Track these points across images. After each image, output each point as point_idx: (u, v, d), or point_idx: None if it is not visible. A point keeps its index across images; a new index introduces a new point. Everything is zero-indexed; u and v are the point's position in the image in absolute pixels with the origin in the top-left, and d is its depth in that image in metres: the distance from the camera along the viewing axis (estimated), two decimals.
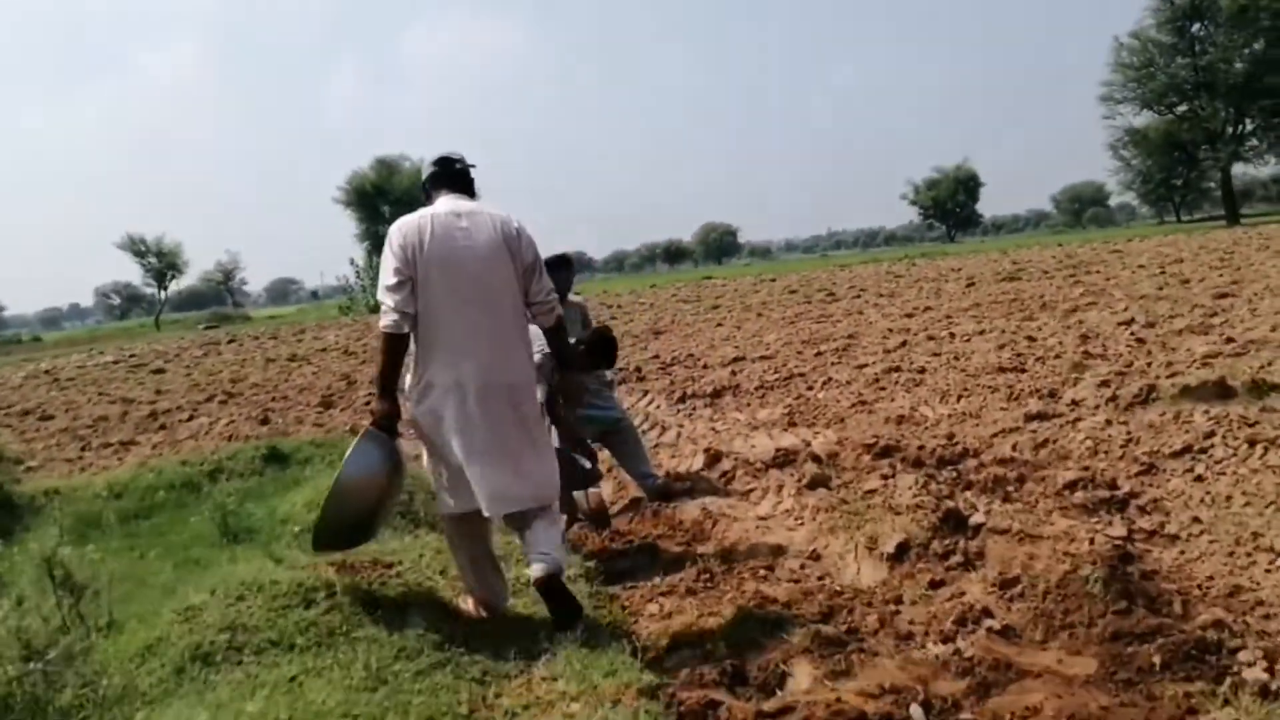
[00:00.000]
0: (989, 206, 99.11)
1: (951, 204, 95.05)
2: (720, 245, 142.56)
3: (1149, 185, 66.03)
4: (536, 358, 5.06)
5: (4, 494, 5.80)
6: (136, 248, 65.03)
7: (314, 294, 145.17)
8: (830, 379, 9.50)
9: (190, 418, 11.09)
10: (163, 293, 69.46)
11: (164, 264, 66.05)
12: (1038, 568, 4.29)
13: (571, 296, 6.26)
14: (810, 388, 9.31)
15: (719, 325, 16.46)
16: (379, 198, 64.27)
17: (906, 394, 8.36)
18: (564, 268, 6.08)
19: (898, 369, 9.43)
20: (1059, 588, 4.02)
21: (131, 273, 69.68)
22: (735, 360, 11.46)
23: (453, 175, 4.05)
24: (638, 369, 11.70)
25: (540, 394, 6.08)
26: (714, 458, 6.89)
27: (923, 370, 9.26)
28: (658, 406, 9.48)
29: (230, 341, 27.40)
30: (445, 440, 3.72)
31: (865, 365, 9.90)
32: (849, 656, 3.57)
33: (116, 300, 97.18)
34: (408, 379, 3.79)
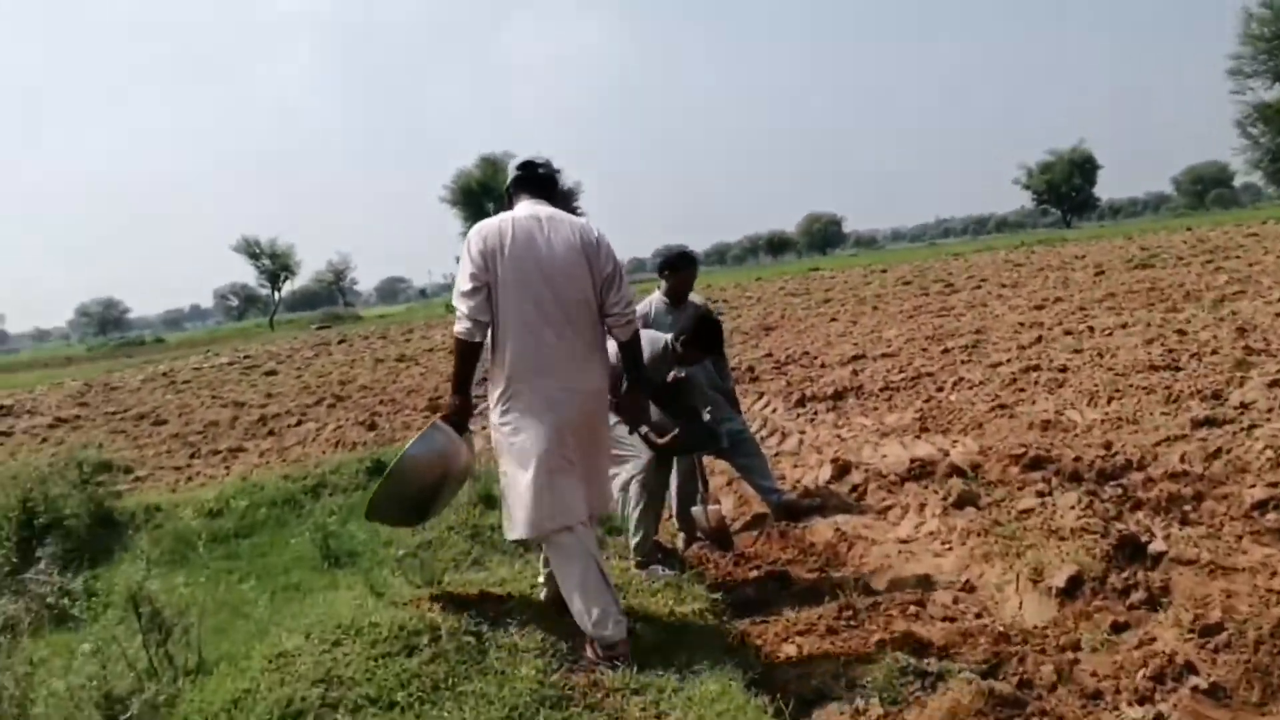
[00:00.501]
0: (1105, 189, 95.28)
1: (1066, 187, 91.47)
2: (825, 235, 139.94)
3: (1277, 164, 62.23)
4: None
5: (105, 510, 5.62)
6: (251, 250, 66.79)
7: (422, 292, 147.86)
8: (961, 379, 8.85)
9: (299, 422, 11.00)
10: (276, 294, 71.35)
11: (277, 265, 67.71)
12: (1241, 609, 3.67)
13: (693, 297, 5.82)
14: (940, 389, 8.68)
15: (833, 320, 15.80)
16: (484, 195, 64.70)
17: (1049, 396, 7.67)
18: (687, 265, 5.66)
19: (1036, 367, 8.72)
20: (1274, 636, 3.41)
21: (248, 274, 71.29)
22: (855, 358, 10.85)
23: (536, 180, 3.92)
24: (750, 368, 11.18)
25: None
26: (842, 469, 6.37)
27: (1064, 369, 8.54)
28: (775, 410, 8.96)
29: (341, 342, 27.74)
30: (527, 453, 3.56)
31: (999, 364, 9.21)
32: None
33: (234, 301, 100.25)
34: (492, 389, 3.70)
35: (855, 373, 9.80)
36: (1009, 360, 9.31)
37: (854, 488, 6.02)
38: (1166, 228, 42.07)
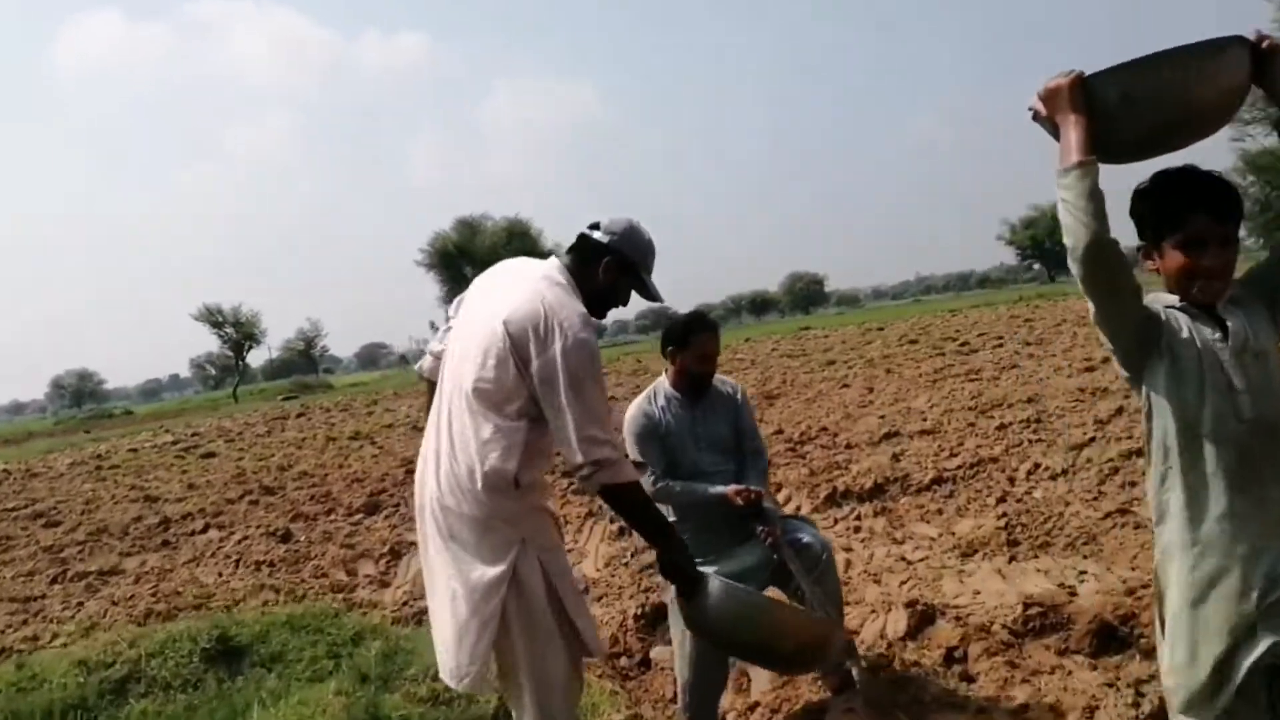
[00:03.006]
0: None
1: (1050, 242, 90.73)
2: (808, 294, 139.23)
3: (1267, 214, 61.03)
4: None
5: None
6: (213, 319, 64.16)
7: (402, 358, 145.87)
8: (1039, 466, 6.89)
9: (205, 528, 8.92)
10: (241, 363, 68.62)
11: (241, 334, 65.02)
12: None
13: (721, 380, 3.92)
14: (1012, 480, 6.72)
15: (844, 386, 13.85)
16: (461, 258, 62.74)
17: None
18: (702, 331, 3.76)
19: (1139, 451, 6.77)
20: None
21: (217, 344, 68.62)
22: (888, 436, 8.87)
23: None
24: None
25: None
26: (923, 617, 4.39)
27: None
28: (799, 510, 6.98)
29: (299, 416, 25.62)
30: None
31: (1082, 445, 7.25)
32: None
33: (211, 371, 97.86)
34: None
35: (895, 457, 7.81)
36: (1092, 439, 7.36)
37: (949, 652, 4.04)
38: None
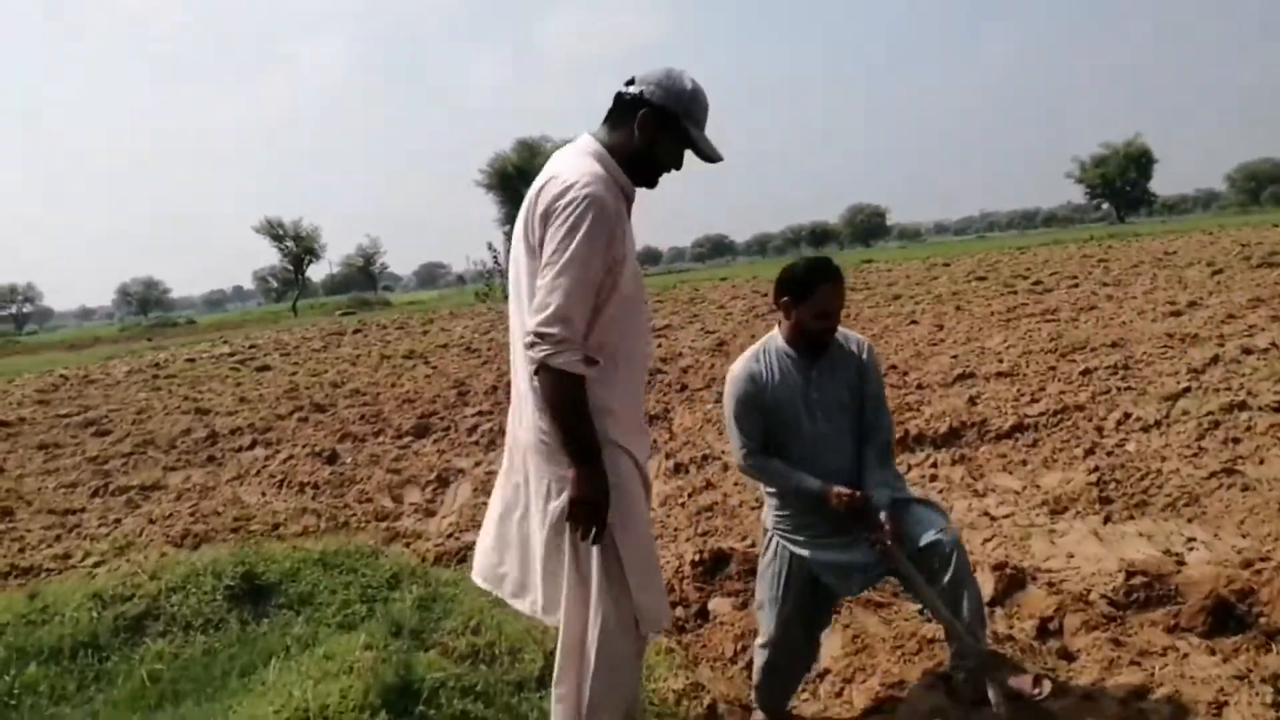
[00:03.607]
0: (1157, 185, 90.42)
1: (1121, 182, 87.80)
2: (868, 227, 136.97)
3: None
4: None
5: None
6: (274, 231, 64.24)
7: (460, 278, 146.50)
8: (1129, 416, 6.39)
9: (252, 444, 8.74)
10: (300, 277, 68.90)
11: (301, 248, 65.14)
12: None
13: (845, 333, 3.25)
14: (1101, 430, 6.23)
15: (913, 323, 13.28)
16: (520, 180, 62.14)
17: None
18: (826, 281, 3.07)
19: (1241, 405, 6.23)
20: None
21: (278, 257, 68.72)
22: (961, 377, 8.38)
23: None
24: None
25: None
26: (1012, 581, 3.99)
27: None
28: None
29: (356, 332, 25.53)
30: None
31: (1176, 395, 6.72)
32: None
33: (274, 284, 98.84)
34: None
35: (971, 400, 7.33)
36: (1187, 390, 6.82)
37: (1043, 623, 3.64)
38: (1226, 224, 38.85)
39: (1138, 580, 3.78)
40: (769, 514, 3.33)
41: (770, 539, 3.30)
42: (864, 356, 3.21)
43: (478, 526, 5.51)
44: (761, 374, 3.15)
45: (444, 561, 4.87)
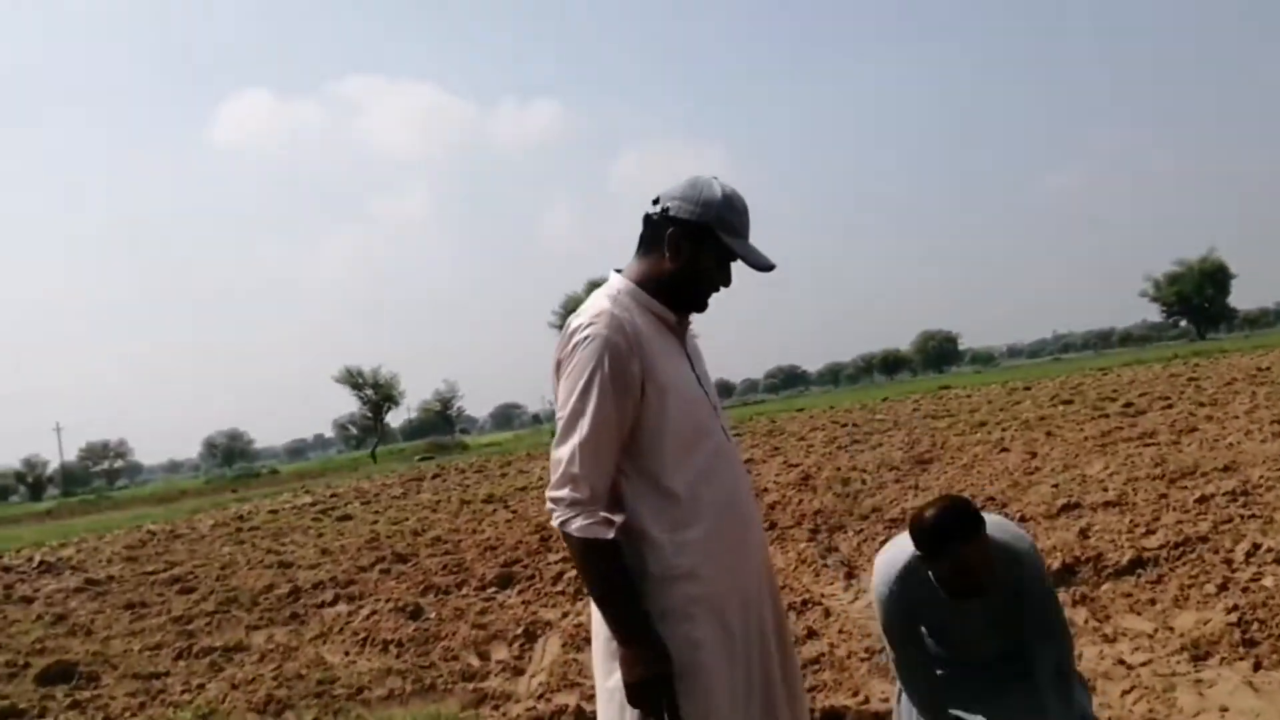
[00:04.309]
0: (1235, 299, 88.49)
1: (1198, 299, 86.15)
2: (940, 353, 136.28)
3: None
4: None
5: None
6: (354, 380, 65.98)
7: (535, 417, 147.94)
8: (1259, 546, 5.94)
9: (335, 599, 8.60)
10: (379, 424, 70.26)
11: (380, 395, 66.64)
12: None
13: (1001, 541, 2.71)
14: (1230, 564, 5.79)
15: (1003, 451, 12.84)
16: None
17: None
18: (957, 545, 2.55)
19: None
20: None
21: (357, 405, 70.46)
22: (1067, 508, 7.97)
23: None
24: None
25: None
26: None
27: None
28: None
29: (434, 477, 25.65)
30: None
31: None
32: None
33: (353, 431, 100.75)
34: None
35: (1082, 534, 6.93)
36: None
37: None
38: None
39: None
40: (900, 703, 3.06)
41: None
42: (1022, 578, 2.73)
43: (569, 685, 5.32)
44: (900, 593, 2.81)
45: None
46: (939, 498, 2.69)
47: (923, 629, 2.93)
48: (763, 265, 2.25)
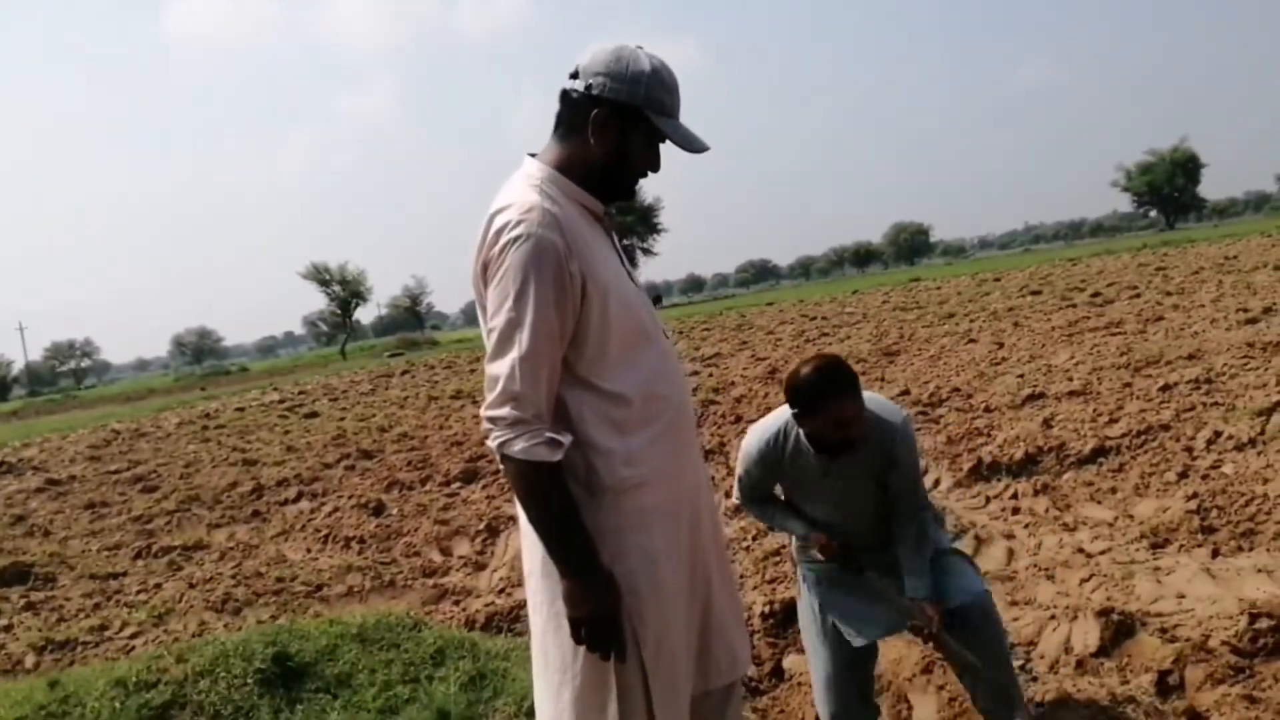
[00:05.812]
0: (1204, 189, 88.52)
1: (1169, 189, 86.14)
2: (912, 245, 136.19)
3: None
4: None
5: None
6: (320, 276, 65.12)
7: None
8: (1220, 434, 5.95)
9: (298, 496, 8.54)
10: (348, 320, 69.59)
11: (348, 292, 65.89)
12: None
13: (875, 415, 2.78)
14: (1191, 451, 5.80)
15: (970, 341, 12.84)
16: None
17: None
18: (831, 399, 2.62)
19: None
20: None
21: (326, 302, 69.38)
22: (1032, 398, 7.96)
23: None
24: None
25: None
26: (1119, 628, 3.61)
27: None
28: (940, 486, 6.19)
29: (404, 373, 25.50)
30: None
31: (1269, 411, 6.26)
32: None
33: (323, 328, 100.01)
34: None
35: (1046, 423, 6.92)
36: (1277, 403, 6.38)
37: (1161, 677, 3.26)
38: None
39: (1263, 624, 3.38)
40: (794, 545, 3.17)
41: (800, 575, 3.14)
42: (894, 449, 2.78)
43: None
44: (776, 454, 2.87)
45: (494, 624, 4.57)
46: (815, 355, 2.74)
47: (779, 488, 3.05)
48: (696, 147, 2.06)
